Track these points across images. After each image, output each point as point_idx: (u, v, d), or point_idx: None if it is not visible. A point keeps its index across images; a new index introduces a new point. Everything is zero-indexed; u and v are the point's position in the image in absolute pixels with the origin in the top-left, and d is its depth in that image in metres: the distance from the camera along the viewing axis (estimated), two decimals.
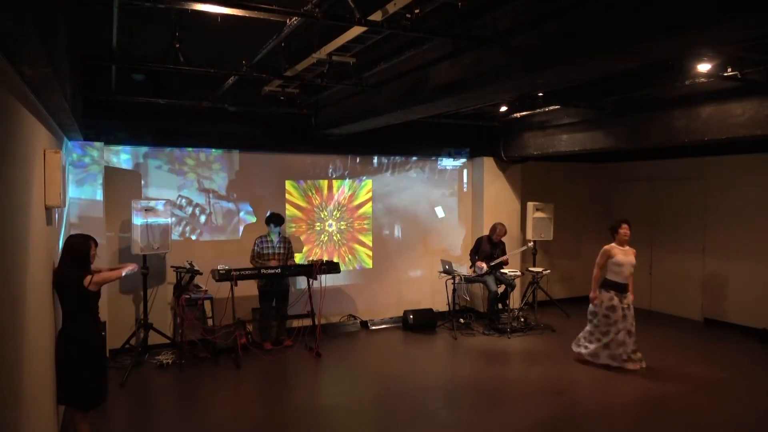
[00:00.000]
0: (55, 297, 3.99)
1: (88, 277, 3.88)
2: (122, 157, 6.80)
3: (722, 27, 2.77)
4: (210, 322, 6.82)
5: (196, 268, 6.30)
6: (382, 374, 6.27)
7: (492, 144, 8.86)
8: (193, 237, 7.21)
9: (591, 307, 6.34)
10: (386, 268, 8.47)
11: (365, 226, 8.34)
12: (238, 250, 7.24)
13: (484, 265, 7.83)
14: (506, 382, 6.10)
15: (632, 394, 5.68)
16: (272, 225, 6.96)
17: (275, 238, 7.02)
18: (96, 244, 4.10)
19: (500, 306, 8.10)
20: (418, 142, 8.40)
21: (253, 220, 7.52)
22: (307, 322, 7.10)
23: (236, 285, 6.41)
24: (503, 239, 8.06)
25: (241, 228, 7.48)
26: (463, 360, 6.91)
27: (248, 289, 6.88)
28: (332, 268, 7.03)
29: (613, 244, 6.27)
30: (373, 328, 8.24)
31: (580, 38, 3.42)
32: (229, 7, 3.38)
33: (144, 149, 6.89)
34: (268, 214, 7.14)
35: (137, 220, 6.17)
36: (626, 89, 5.96)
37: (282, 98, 6.66)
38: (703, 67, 4.92)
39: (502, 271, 7.96)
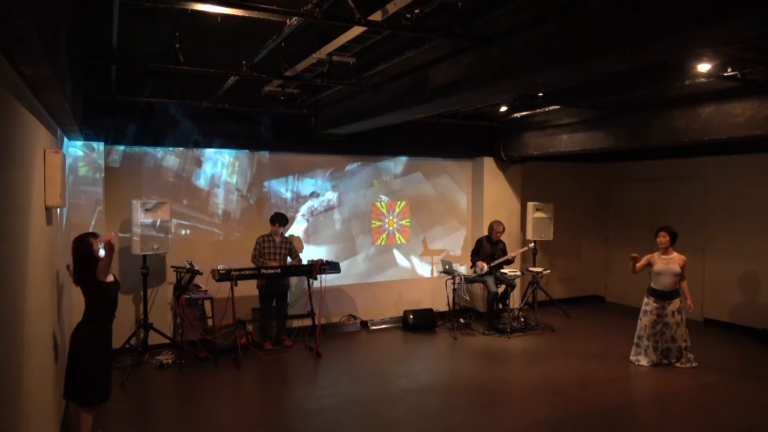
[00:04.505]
0: (64, 295, 4.03)
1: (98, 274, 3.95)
2: (122, 157, 6.80)
3: (722, 27, 2.78)
4: (210, 322, 6.82)
5: (196, 268, 6.31)
6: (382, 374, 6.27)
7: (492, 144, 8.86)
8: (193, 237, 7.21)
9: None
10: (386, 267, 8.47)
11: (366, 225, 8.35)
12: (238, 250, 7.23)
13: (485, 265, 7.83)
14: (506, 382, 6.10)
15: (632, 394, 5.69)
16: (277, 224, 6.96)
17: (278, 238, 7.02)
18: (96, 237, 4.14)
19: (500, 306, 8.11)
20: (418, 142, 8.39)
21: (254, 220, 7.52)
22: (307, 322, 7.09)
23: (236, 285, 6.41)
24: (503, 238, 8.07)
25: (242, 228, 7.47)
26: (463, 360, 6.91)
27: (248, 289, 6.87)
28: (332, 268, 7.03)
29: (655, 253, 6.29)
30: (373, 328, 8.24)
31: (580, 38, 3.42)
32: (229, 7, 3.39)
33: (144, 149, 6.88)
34: (273, 213, 7.13)
35: (137, 220, 6.17)
36: (626, 89, 5.96)
37: (282, 98, 6.67)
38: (703, 67, 4.92)
39: (502, 271, 7.96)
